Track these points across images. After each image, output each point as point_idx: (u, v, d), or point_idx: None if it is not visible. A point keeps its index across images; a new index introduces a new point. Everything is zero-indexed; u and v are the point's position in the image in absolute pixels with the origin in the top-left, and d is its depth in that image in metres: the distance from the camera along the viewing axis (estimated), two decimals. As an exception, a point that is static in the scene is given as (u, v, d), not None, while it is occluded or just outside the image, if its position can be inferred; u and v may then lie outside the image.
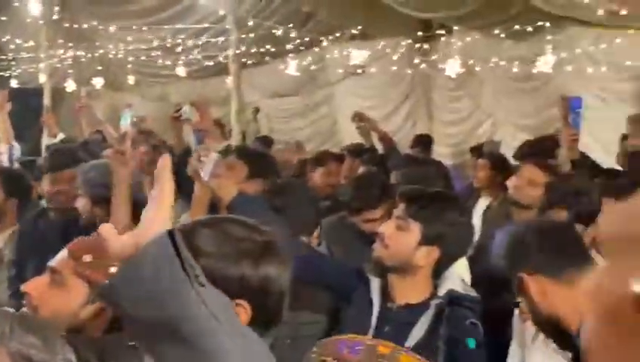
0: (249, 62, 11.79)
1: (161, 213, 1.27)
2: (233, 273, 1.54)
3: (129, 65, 13.56)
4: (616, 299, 0.29)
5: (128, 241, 1.24)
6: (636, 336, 0.29)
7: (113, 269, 1.85)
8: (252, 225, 1.65)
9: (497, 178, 5.38)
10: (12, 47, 13.07)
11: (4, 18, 12.00)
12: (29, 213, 4.28)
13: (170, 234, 1.23)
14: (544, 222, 2.72)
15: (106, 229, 1.27)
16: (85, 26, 11.74)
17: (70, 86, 13.48)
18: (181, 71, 12.79)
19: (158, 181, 1.28)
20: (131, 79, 13.78)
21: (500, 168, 5.48)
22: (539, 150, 5.56)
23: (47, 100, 12.49)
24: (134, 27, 11.64)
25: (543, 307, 2.12)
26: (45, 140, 7.10)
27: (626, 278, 0.28)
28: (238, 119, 9.90)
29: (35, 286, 2.01)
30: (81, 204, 4.07)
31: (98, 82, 13.80)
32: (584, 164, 4.85)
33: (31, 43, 12.48)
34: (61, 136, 6.89)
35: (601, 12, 7.80)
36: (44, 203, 4.52)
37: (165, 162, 1.28)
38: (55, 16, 11.01)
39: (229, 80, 10.32)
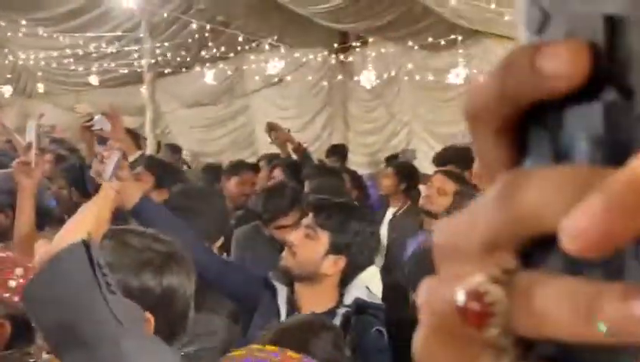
0: (166, 70, 11.69)
1: (79, 224, 1.34)
2: (134, 284, 1.53)
3: (40, 73, 13.24)
4: (446, 308, 0.29)
5: (45, 250, 1.29)
6: (465, 348, 0.29)
7: (13, 283, 1.81)
8: (153, 236, 1.64)
9: (401, 186, 5.42)
10: None
11: None
12: None
13: (85, 243, 1.26)
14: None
15: (38, 245, 1.33)
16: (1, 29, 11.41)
17: (-23, 94, 13.11)
18: (94, 80, 12.56)
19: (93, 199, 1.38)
20: (41, 87, 13.47)
21: (405, 176, 5.51)
22: (459, 157, 5.64)
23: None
24: (46, 34, 11.37)
25: None
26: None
27: (452, 287, 0.29)
28: (152, 128, 9.80)
29: None
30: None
31: (7, 90, 13.45)
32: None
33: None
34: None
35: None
36: None
37: (106, 186, 1.41)
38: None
39: (144, 89, 10.21)
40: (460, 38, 9.29)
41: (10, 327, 1.83)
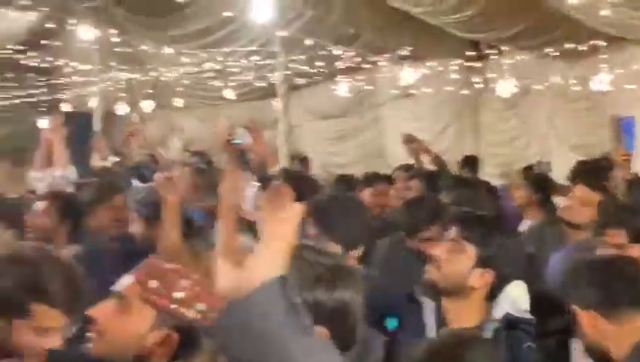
0: (299, 83, 11.84)
1: (267, 255, 1.29)
2: (309, 299, 1.53)
3: (179, 88, 13.67)
4: None
5: (235, 280, 1.27)
6: None
7: (179, 295, 1.85)
8: (320, 249, 1.64)
9: (535, 197, 5.32)
10: (66, 70, 13.29)
11: (58, 43, 12.21)
12: (84, 237, 4.31)
13: (282, 280, 1.25)
14: (597, 257, 2.71)
15: (219, 262, 1.30)
16: (144, 48, 11.87)
17: (122, 109, 13.69)
18: (229, 93, 12.86)
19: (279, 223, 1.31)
20: (180, 102, 13.90)
21: (540, 188, 5.40)
22: (592, 172, 5.46)
23: (98, 123, 12.69)
24: (184, 50, 11.75)
25: (593, 338, 2.24)
26: (96, 163, 7.20)
27: None
28: (285, 141, 9.95)
29: (101, 311, 1.92)
30: (136, 226, 4.13)
31: (148, 105, 13.97)
32: (639, 184, 4.77)
33: (85, 67, 12.68)
34: (112, 158, 7.01)
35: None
36: None
37: (293, 208, 1.32)
38: (114, 39, 11.13)
39: (277, 102, 10.38)
40: (601, 45, 8.97)
41: (177, 338, 1.87)
